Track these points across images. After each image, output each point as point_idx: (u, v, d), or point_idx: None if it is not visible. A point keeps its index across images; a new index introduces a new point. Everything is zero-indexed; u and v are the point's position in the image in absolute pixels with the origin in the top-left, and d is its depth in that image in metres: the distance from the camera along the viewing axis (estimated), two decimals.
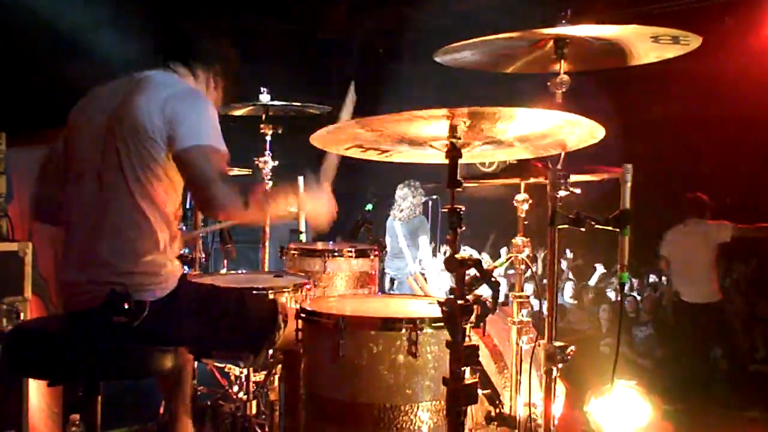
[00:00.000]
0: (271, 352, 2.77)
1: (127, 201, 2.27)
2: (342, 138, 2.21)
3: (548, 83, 2.32)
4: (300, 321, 2.41)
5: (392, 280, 6.92)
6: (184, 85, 2.47)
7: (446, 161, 1.97)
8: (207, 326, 2.40)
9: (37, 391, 3.37)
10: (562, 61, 2.31)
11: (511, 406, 2.71)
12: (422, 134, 2.01)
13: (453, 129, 1.92)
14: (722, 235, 5.91)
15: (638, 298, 7.45)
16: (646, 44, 2.30)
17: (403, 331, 2.19)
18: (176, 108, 2.28)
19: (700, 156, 8.99)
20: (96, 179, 2.32)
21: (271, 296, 2.76)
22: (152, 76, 2.43)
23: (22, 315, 3.28)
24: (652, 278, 8.34)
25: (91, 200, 2.33)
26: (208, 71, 2.58)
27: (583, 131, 2.08)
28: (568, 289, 8.19)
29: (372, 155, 2.34)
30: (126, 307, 2.20)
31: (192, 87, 2.49)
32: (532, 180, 2.72)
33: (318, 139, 2.19)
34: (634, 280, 8.13)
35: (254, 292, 2.77)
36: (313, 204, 2.56)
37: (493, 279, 1.91)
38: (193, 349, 2.66)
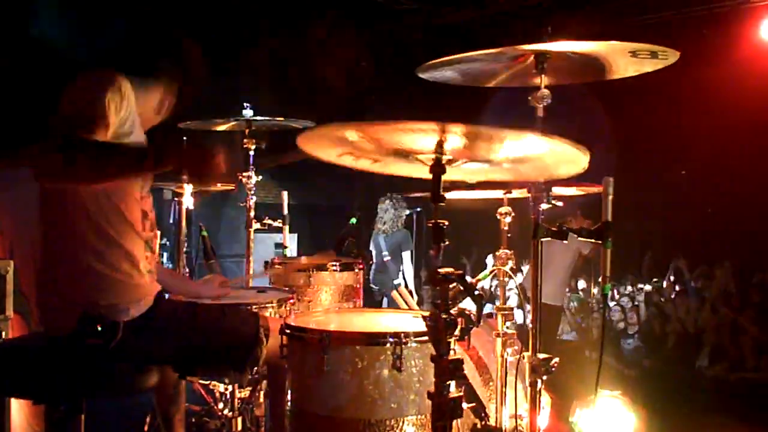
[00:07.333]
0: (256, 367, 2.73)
1: (78, 216, 2.16)
2: (333, 142, 2.01)
3: (529, 98, 2.34)
4: (284, 336, 2.40)
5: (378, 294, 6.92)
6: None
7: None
8: (187, 344, 2.35)
9: (19, 409, 3.33)
10: (543, 75, 2.33)
11: (496, 419, 2.72)
12: (415, 147, 1.91)
13: (440, 144, 1.89)
14: None
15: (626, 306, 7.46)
16: (625, 59, 2.32)
17: (388, 345, 2.19)
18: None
19: (681, 168, 9.08)
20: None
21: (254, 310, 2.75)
22: None
23: (3, 334, 3.25)
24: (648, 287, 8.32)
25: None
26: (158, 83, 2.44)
27: (570, 164, 1.96)
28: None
29: (365, 164, 2.23)
30: (99, 329, 2.15)
31: (105, 71, 2.27)
32: (515, 193, 2.74)
33: (307, 142, 1.96)
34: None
35: (235, 306, 2.74)
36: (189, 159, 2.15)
37: (476, 292, 1.92)
38: (176, 368, 2.60)
